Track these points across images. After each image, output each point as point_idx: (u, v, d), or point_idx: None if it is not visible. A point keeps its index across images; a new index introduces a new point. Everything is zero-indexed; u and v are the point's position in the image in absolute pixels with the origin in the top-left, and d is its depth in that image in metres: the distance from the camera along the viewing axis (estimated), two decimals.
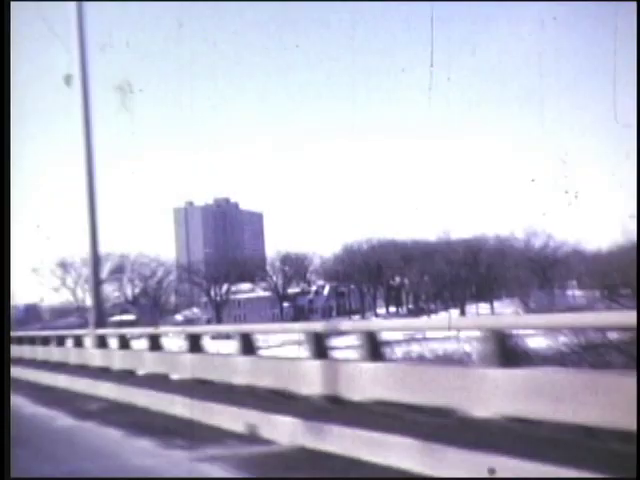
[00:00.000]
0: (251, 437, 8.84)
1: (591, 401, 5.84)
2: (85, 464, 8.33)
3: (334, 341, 9.83)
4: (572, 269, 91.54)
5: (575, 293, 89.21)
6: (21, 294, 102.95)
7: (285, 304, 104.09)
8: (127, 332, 16.69)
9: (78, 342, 18.91)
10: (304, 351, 9.81)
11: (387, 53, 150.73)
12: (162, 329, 17.11)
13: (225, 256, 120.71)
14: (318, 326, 10.27)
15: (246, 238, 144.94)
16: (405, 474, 6.48)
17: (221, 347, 14.94)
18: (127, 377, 14.38)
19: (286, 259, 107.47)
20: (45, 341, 22.23)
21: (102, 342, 16.94)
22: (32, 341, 23.74)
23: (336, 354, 9.63)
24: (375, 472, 6.75)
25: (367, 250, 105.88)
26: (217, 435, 9.15)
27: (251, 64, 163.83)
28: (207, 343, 13.35)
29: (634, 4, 9.69)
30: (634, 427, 5.31)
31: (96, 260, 17.64)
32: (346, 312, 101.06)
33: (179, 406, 10.80)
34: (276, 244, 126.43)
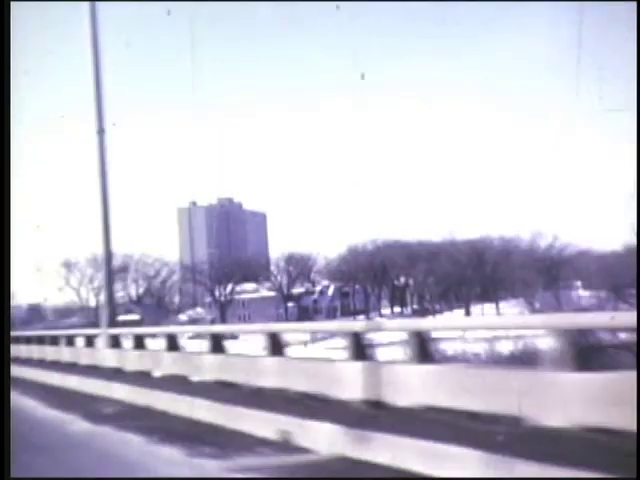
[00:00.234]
0: (286, 445, 8.17)
1: None
2: (109, 474, 7.66)
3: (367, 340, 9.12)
4: (578, 270, 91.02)
5: (579, 293, 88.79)
6: (25, 294, 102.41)
7: (289, 304, 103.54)
8: (142, 331, 16.11)
9: (89, 342, 18.31)
10: (324, 351, 9.13)
11: (393, 53, 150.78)
12: (182, 328, 16.44)
13: (229, 256, 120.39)
14: (358, 325, 9.62)
15: (250, 238, 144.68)
16: None
17: (233, 347, 14.22)
18: (144, 379, 13.74)
19: (290, 259, 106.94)
20: (54, 341, 21.62)
21: (115, 342, 16.33)
22: (41, 341, 23.13)
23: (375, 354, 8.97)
24: None
25: (372, 250, 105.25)
26: (248, 442, 8.49)
27: (258, 65, 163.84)
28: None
29: (634, 4, 9.36)
30: None
31: (109, 258, 17.10)
32: (350, 312, 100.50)
33: (203, 410, 10.14)
34: (280, 244, 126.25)
